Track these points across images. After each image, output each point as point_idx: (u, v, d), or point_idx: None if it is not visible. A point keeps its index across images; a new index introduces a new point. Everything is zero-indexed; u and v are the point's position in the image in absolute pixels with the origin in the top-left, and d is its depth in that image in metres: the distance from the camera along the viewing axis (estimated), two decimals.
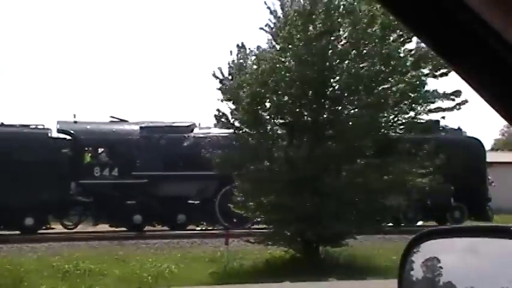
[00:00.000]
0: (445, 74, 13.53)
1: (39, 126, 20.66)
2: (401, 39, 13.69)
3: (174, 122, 21.80)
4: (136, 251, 15.65)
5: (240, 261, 13.95)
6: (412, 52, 13.86)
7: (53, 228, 20.34)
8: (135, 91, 72.53)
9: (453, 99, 13.62)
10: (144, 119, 22.01)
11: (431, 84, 15.95)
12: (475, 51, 1.13)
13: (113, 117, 21.95)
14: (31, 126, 20.58)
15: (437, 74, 13.62)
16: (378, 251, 15.19)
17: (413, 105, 13.87)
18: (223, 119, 14.83)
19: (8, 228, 19.51)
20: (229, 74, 14.84)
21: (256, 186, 14.05)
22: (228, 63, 14.89)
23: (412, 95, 13.69)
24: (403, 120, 14.30)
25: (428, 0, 1.13)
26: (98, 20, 72.14)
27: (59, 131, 20.78)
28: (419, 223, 21.83)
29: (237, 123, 14.90)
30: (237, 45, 14.69)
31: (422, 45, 13.62)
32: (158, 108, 64.43)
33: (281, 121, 14.38)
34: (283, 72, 13.65)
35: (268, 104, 14.19)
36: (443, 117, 14.48)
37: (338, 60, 13.66)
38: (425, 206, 21.66)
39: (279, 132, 14.61)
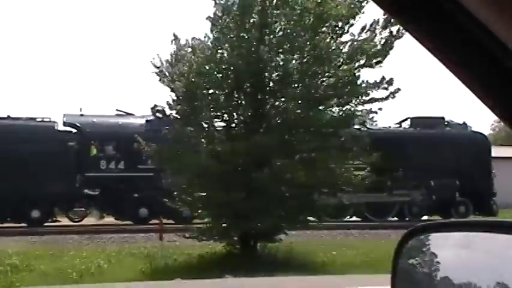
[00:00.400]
0: (380, 62, 13.30)
1: (45, 119, 20.69)
2: (336, 29, 13.35)
3: None
4: (80, 246, 15.42)
5: (176, 257, 13.57)
6: (348, 44, 13.51)
7: (59, 221, 20.40)
8: (141, 85, 72.49)
9: (386, 88, 13.36)
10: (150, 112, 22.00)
11: (367, 74, 15.53)
12: (447, 28, 1.10)
13: (119, 111, 21.96)
14: (37, 119, 20.60)
15: (372, 63, 13.34)
16: (320, 247, 14.92)
17: (346, 99, 13.54)
18: (159, 111, 14.35)
19: (15, 220, 19.58)
20: (167, 63, 14.41)
21: (189, 180, 13.72)
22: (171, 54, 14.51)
23: (345, 89, 13.35)
24: (337, 115, 13.92)
25: None
26: (104, 13, 72.07)
27: (65, 124, 20.81)
28: (424, 217, 21.88)
29: (174, 115, 14.44)
30: (173, 35, 14.28)
31: (356, 37, 13.36)
32: (163, 102, 64.28)
33: (216, 113, 13.98)
34: (215, 64, 13.36)
35: (203, 96, 13.76)
36: (380, 109, 13.92)
37: (272, 53, 13.32)
38: (430, 201, 21.75)
39: (214, 125, 14.19)
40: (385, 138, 22.09)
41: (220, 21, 13.51)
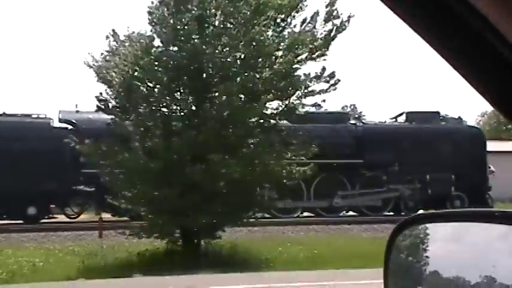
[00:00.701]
0: (323, 55, 13.12)
1: (41, 116, 20.58)
2: (278, 22, 13.13)
3: None
4: (31, 243, 15.23)
5: (118, 255, 13.29)
6: (286, 37, 13.25)
7: (55, 218, 20.36)
8: None
9: (327, 81, 13.18)
10: None
11: (309, 67, 15.27)
12: (441, 14, 1.07)
13: None
14: (33, 116, 20.50)
15: (314, 56, 13.13)
16: (269, 243, 14.74)
17: (285, 92, 13.27)
18: (102, 104, 14.04)
19: (11, 217, 19.53)
20: (102, 58, 14.05)
21: (126, 176, 13.38)
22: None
23: (282, 83, 13.06)
24: (277, 109, 13.61)
25: None
26: (97, 9, 71.78)
27: (61, 120, 20.71)
28: (420, 211, 21.92)
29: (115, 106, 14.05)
30: (112, 30, 14.03)
31: (295, 30, 13.19)
32: None
33: (155, 107, 13.62)
34: (154, 58, 13.12)
35: (141, 90, 13.38)
36: (323, 100, 13.68)
37: (209, 46, 12.93)
38: (425, 195, 21.79)
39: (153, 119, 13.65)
40: (381, 133, 22.15)
41: (157, 12, 13.24)
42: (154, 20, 13.27)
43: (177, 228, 13.41)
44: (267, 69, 13.05)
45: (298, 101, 13.53)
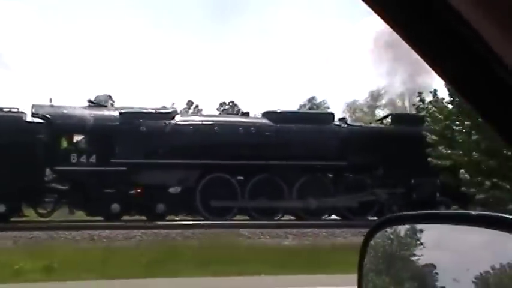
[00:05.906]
0: None
1: (13, 110, 19.81)
2: None
3: (155, 109, 21.16)
4: None
5: None
6: None
7: (26, 216, 19.63)
8: (114, 77, 71.42)
9: None
10: (124, 105, 21.30)
11: None
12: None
13: (91, 102, 21.19)
14: (4, 110, 19.71)
15: None
16: None
17: None
18: None
19: None
20: None
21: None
22: None
23: None
24: None
25: None
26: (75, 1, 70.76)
27: (33, 115, 19.94)
28: None
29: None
30: None
31: None
32: (138, 94, 63.44)
33: None
34: None
35: None
36: None
37: None
38: (410, 200, 21.35)
39: None
40: (365, 135, 21.72)
41: None
42: None
43: None
44: None
45: None
